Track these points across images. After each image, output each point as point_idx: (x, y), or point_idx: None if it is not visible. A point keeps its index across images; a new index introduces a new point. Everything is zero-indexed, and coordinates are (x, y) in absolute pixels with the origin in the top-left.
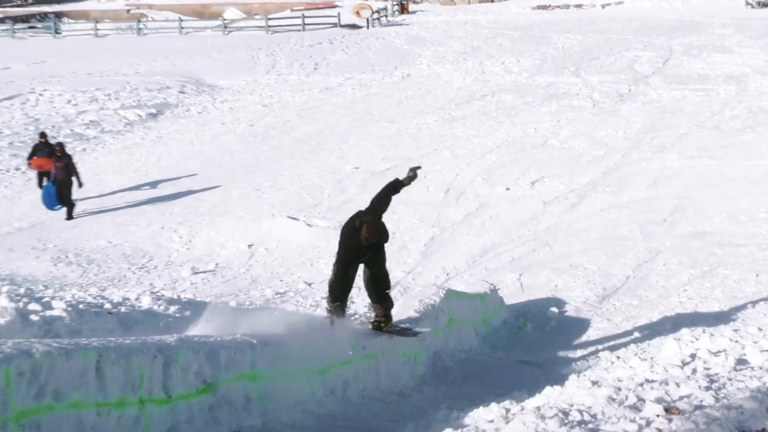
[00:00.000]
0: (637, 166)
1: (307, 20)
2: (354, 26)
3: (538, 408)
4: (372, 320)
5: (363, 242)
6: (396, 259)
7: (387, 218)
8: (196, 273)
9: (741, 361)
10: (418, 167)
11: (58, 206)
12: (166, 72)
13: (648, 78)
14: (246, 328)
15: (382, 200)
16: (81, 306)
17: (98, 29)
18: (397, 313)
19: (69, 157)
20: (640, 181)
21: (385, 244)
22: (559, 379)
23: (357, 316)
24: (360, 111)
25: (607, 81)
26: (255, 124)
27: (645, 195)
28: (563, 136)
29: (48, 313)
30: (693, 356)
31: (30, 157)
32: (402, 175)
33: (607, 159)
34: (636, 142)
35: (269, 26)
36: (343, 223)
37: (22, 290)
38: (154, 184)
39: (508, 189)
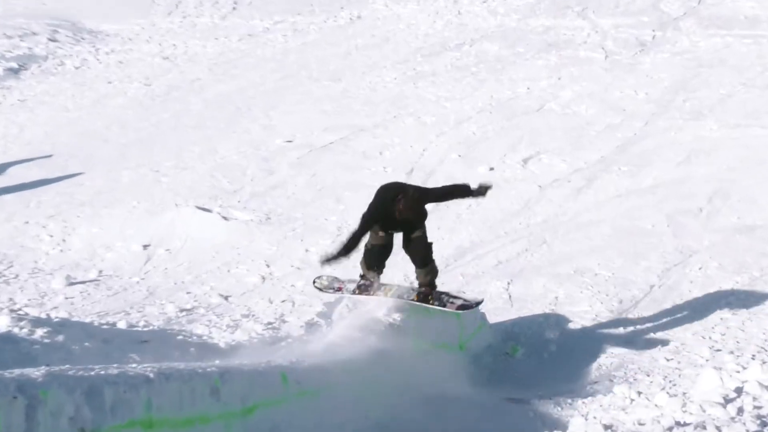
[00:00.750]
0: (664, 138)
1: None
2: None
3: None
4: (417, 290)
5: (396, 215)
6: (343, 265)
7: (332, 210)
8: (72, 284)
9: None
10: (489, 186)
11: None
12: (30, 13)
13: (678, 21)
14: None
15: (440, 190)
16: None
17: None
18: (330, 342)
19: None
20: (668, 158)
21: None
22: (560, 425)
23: (393, 286)
24: (294, 65)
25: (623, 25)
26: (153, 83)
27: (674, 176)
28: (565, 98)
29: None
30: (739, 391)
31: None
32: (471, 185)
33: (624, 128)
34: (662, 107)
35: None
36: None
37: None
38: (14, 164)
39: (492, 169)
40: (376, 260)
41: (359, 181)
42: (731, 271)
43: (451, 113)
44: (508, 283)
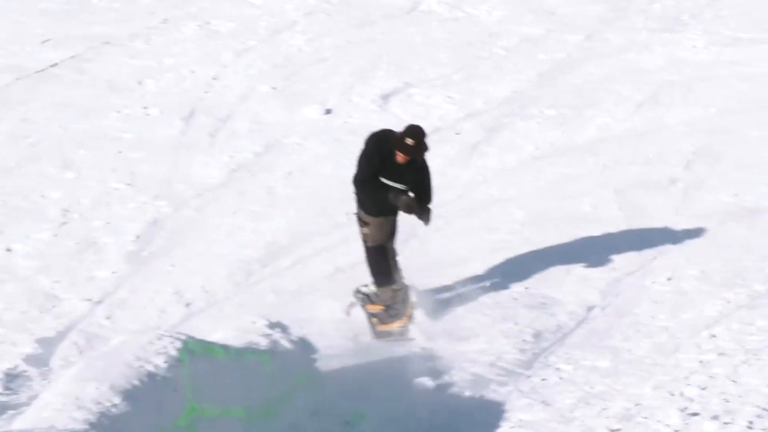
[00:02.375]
0: (618, 61)
1: None
2: None
3: None
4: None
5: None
6: (76, 273)
7: (53, 180)
8: None
9: None
10: (429, 217)
11: None
12: None
13: None
14: None
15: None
16: None
17: None
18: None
19: None
20: (623, 95)
21: None
22: None
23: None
24: None
25: None
26: None
27: (631, 125)
28: None
29: None
30: None
31: None
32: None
33: (552, 45)
34: (615, 8)
35: None
36: None
37: None
38: None
39: (328, 111)
40: (384, 266)
41: (102, 132)
42: (719, 283)
43: (262, 15)
44: (352, 305)
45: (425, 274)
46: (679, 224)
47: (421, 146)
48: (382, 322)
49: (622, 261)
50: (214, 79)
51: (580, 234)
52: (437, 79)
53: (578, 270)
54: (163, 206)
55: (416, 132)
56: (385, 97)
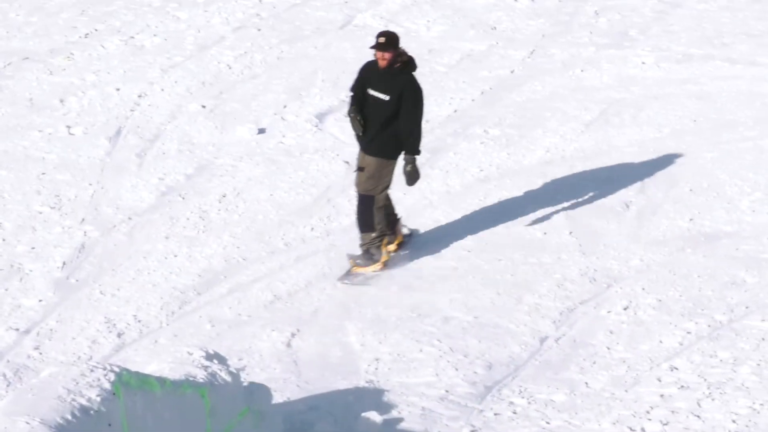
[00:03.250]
0: (563, 78)
1: None
2: None
3: None
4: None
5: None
6: (1, 302)
7: None
8: None
9: None
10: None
11: None
12: None
13: None
14: None
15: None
16: None
17: None
18: None
19: None
20: (571, 114)
21: None
22: None
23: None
24: None
25: None
26: None
27: (581, 145)
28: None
29: None
30: None
31: None
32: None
33: (496, 60)
34: (560, 22)
35: None
36: None
37: None
38: None
39: (261, 131)
40: (368, 215)
41: (23, 153)
42: (678, 312)
43: (189, 30)
44: (293, 335)
45: (367, 302)
46: (634, 250)
47: (392, 42)
48: (358, 265)
49: (575, 289)
50: (140, 96)
51: (531, 260)
52: None
53: (530, 299)
54: (91, 231)
55: (385, 32)
56: (321, 116)
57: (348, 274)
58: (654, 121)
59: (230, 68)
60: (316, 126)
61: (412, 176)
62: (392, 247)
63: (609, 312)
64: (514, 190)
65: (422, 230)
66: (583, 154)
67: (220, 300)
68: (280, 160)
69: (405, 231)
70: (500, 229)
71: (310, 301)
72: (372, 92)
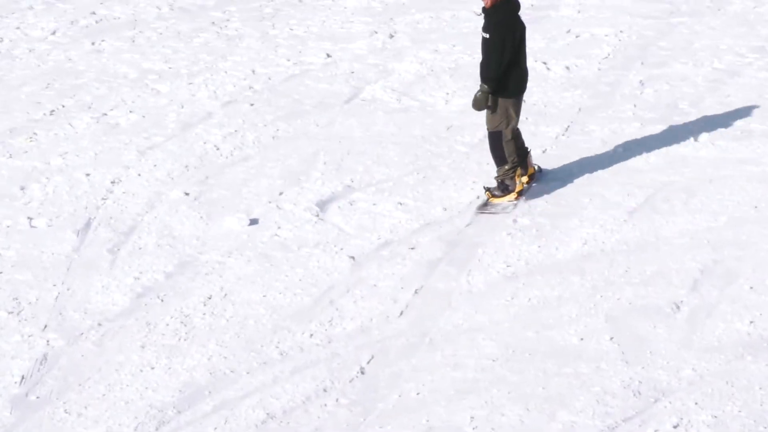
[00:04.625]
0: (604, 158)
1: None
2: None
3: None
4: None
5: None
6: None
7: None
8: None
9: None
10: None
11: None
12: None
13: None
14: None
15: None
16: None
17: None
18: None
19: None
20: (612, 200)
21: None
22: None
23: None
24: None
25: None
26: None
27: (621, 237)
28: (402, 74)
29: None
30: None
31: None
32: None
33: (532, 137)
34: (597, 92)
35: None
36: None
37: None
38: None
39: (254, 222)
40: (499, 149)
41: None
42: (737, 430)
43: (171, 105)
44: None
45: (375, 421)
46: (685, 359)
47: None
48: (495, 196)
49: (617, 404)
50: (114, 183)
51: (566, 371)
52: (385, 181)
53: (564, 416)
54: (55, 339)
55: None
56: (323, 204)
57: (486, 204)
58: (708, 207)
59: (218, 149)
60: (317, 216)
61: (476, 103)
62: (525, 179)
63: (656, 431)
64: (546, 288)
65: (438, 336)
66: (626, 246)
67: (204, 419)
68: (274, 256)
69: (536, 166)
70: (530, 334)
71: (308, 420)
72: (482, 32)
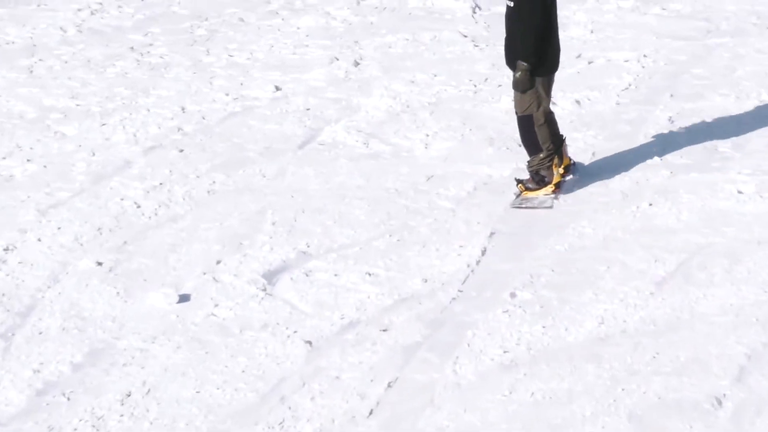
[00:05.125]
0: (624, 215)
1: None
2: None
3: None
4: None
5: None
6: None
7: None
8: None
9: None
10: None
11: None
12: None
13: None
14: None
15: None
16: None
17: None
18: None
19: None
20: (633, 265)
21: None
22: None
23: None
24: None
25: None
26: None
27: (649, 311)
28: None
29: None
30: None
31: None
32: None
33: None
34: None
35: None
36: None
37: None
38: None
39: (184, 299)
40: (531, 136)
41: None
42: None
43: (79, 152)
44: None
45: None
46: None
47: None
48: (529, 189)
49: None
50: (7, 251)
51: None
52: (350, 246)
53: None
54: None
55: None
56: (271, 276)
57: (520, 198)
58: (757, 277)
59: (139, 207)
60: (264, 290)
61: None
62: (560, 170)
63: None
64: (554, 380)
65: None
66: (653, 326)
67: None
68: (211, 341)
69: (571, 158)
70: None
71: None
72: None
